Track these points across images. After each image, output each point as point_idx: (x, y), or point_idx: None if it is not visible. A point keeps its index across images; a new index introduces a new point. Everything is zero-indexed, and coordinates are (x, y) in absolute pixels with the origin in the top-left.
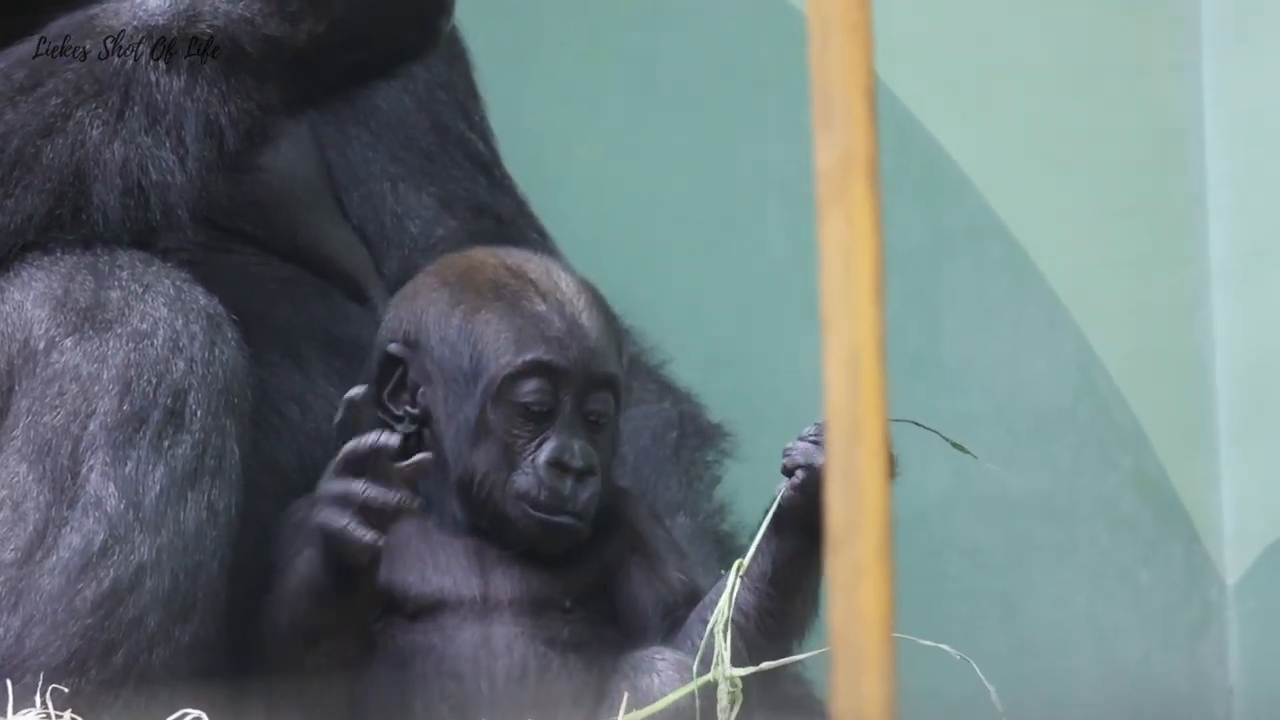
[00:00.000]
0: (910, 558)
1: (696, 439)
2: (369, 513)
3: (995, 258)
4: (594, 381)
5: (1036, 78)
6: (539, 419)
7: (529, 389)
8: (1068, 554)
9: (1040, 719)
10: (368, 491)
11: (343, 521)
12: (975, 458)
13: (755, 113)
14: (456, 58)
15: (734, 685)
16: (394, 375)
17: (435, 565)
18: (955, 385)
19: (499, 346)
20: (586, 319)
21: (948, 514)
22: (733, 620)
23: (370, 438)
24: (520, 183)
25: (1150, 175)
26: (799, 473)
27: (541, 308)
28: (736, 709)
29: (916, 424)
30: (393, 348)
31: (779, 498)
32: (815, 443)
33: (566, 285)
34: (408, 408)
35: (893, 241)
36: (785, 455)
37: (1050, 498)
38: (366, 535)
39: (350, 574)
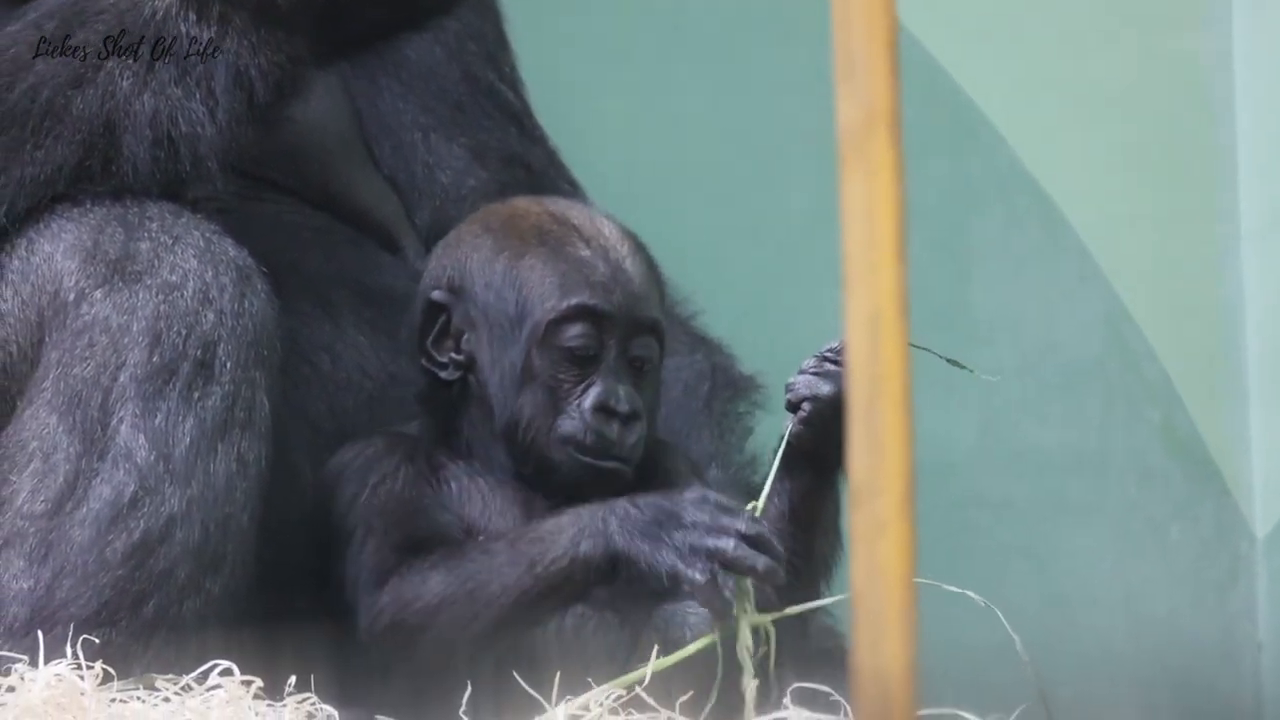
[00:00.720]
0: (938, 511)
1: (728, 391)
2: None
3: (1025, 210)
4: (638, 326)
5: (1066, 30)
6: (584, 363)
7: (574, 333)
8: (1096, 508)
9: (1068, 673)
10: (747, 558)
11: (705, 580)
12: (972, 371)
13: (784, 65)
14: (487, 8)
15: (765, 630)
16: (437, 322)
17: (483, 514)
18: (984, 338)
19: (544, 291)
20: (630, 264)
21: (976, 467)
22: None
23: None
24: (549, 133)
25: (1180, 128)
26: (804, 405)
27: (586, 253)
28: (764, 652)
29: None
30: (436, 294)
31: (787, 435)
32: (817, 374)
33: (610, 231)
34: (452, 354)
35: (921, 194)
36: (788, 390)
37: (1079, 452)
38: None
39: None
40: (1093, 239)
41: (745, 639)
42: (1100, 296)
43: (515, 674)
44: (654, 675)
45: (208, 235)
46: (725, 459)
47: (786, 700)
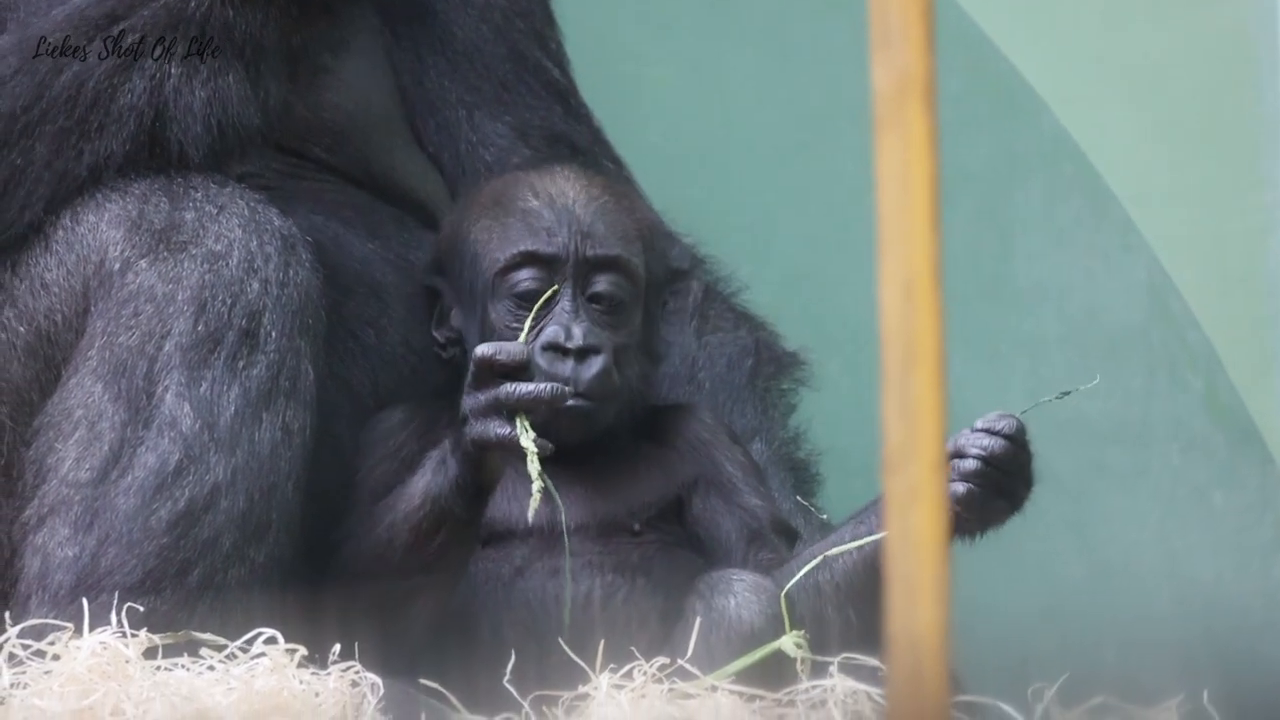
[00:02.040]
0: None
1: (772, 367)
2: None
3: (1068, 179)
4: (591, 264)
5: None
6: (541, 307)
7: (520, 278)
8: (1140, 476)
9: (1113, 641)
10: (519, 390)
11: (503, 430)
12: (1077, 390)
13: (826, 34)
14: None
15: (801, 644)
16: (435, 307)
17: (504, 492)
18: (1027, 307)
19: (491, 247)
20: (581, 208)
21: None
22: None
23: (501, 346)
24: (592, 108)
25: (1225, 97)
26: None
27: (533, 204)
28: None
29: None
30: (427, 280)
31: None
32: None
33: (568, 183)
34: (446, 333)
35: (965, 163)
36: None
37: (1123, 420)
38: (533, 440)
39: (482, 491)
40: (1136, 208)
41: (535, 467)
42: (1143, 265)
43: (561, 643)
44: (700, 646)
45: (252, 204)
46: (769, 434)
47: (832, 669)
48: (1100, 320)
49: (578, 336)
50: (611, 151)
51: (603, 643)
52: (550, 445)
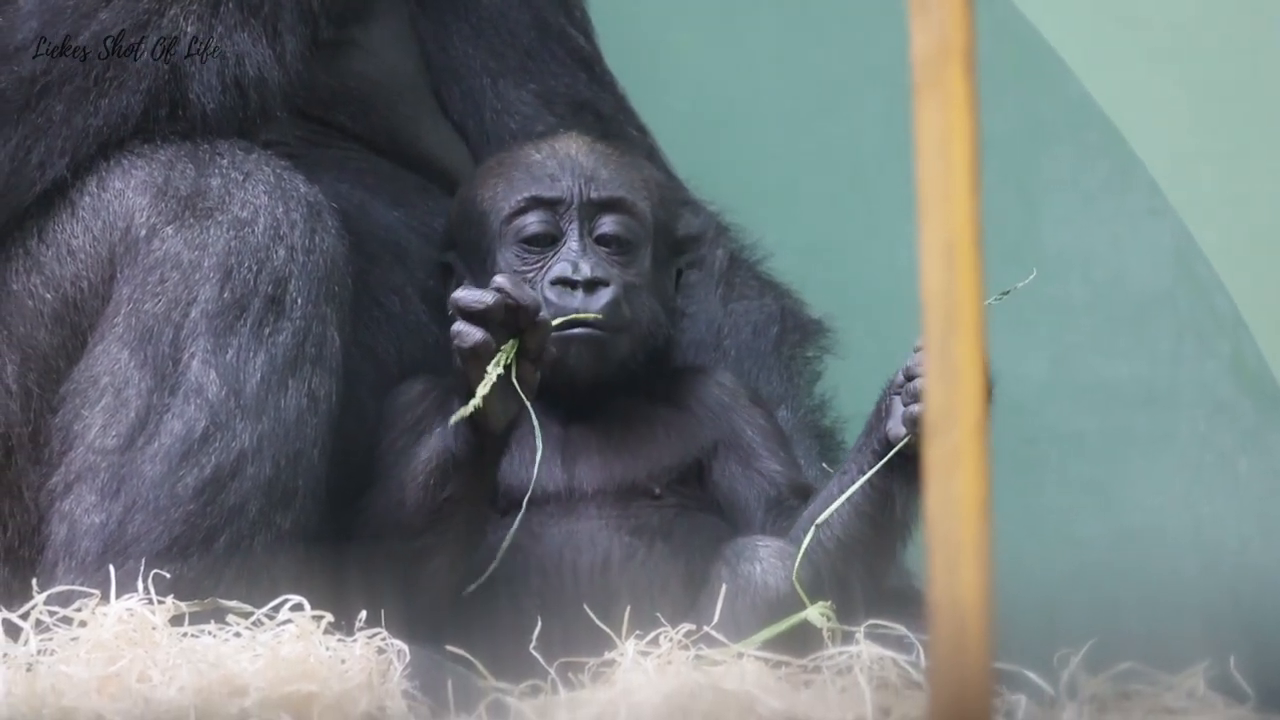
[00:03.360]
0: (1008, 446)
1: (797, 334)
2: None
3: (1094, 145)
4: (596, 205)
5: None
6: (544, 250)
7: (526, 222)
8: (1166, 442)
9: (1138, 607)
10: (503, 287)
11: (477, 334)
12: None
13: (849, 1)
14: None
15: (829, 615)
16: (450, 282)
17: (520, 457)
18: (1054, 272)
19: (497, 199)
20: (584, 156)
21: (1046, 402)
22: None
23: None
24: (616, 74)
25: (1251, 61)
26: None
27: (537, 157)
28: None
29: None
30: (441, 256)
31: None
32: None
33: (571, 140)
34: None
35: (991, 128)
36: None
37: (1149, 385)
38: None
39: (486, 439)
40: (1163, 173)
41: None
42: (1170, 230)
43: (587, 609)
44: (725, 613)
45: (278, 171)
46: (794, 401)
47: (858, 635)
48: (1127, 285)
49: (585, 269)
50: (636, 119)
51: (628, 609)
52: (490, 341)
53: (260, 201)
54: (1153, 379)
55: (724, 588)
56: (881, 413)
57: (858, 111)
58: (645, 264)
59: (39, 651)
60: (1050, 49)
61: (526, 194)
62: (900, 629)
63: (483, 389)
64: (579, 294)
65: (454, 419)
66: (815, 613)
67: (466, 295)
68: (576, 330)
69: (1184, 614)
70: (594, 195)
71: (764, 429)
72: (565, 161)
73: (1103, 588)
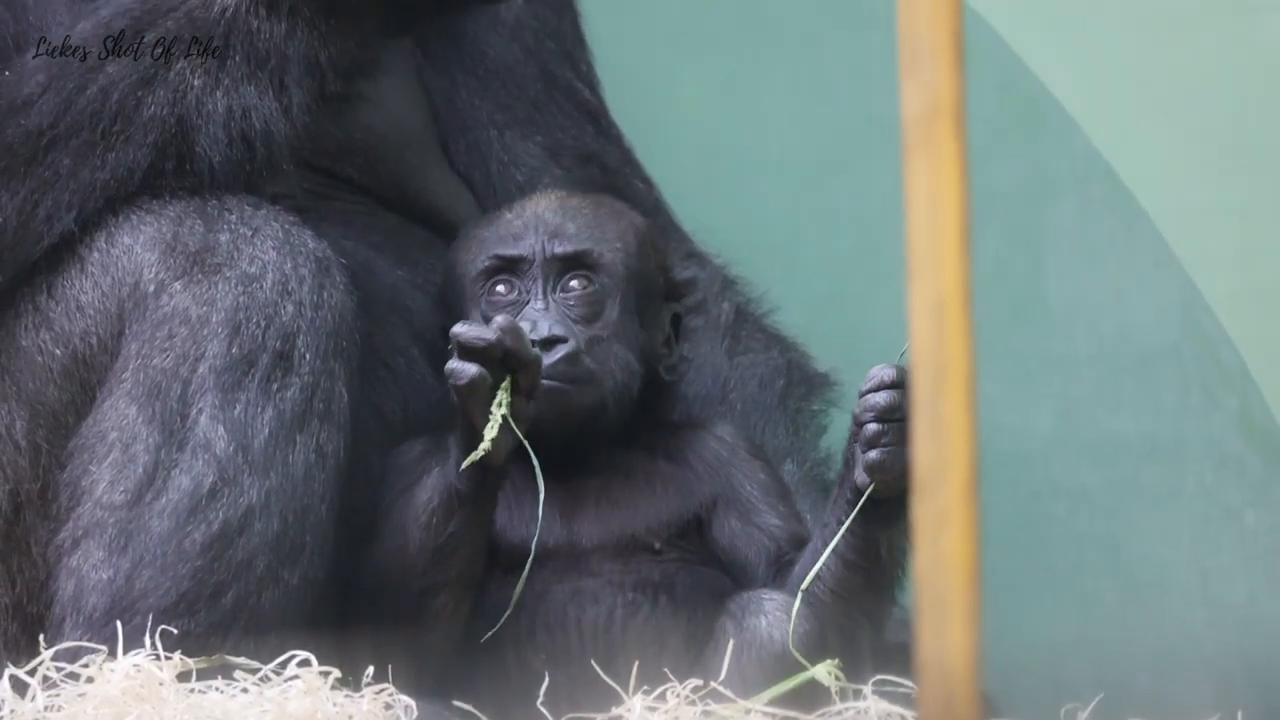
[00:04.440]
0: (1014, 500)
1: (803, 388)
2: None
3: (1100, 198)
4: (559, 260)
5: (1141, 15)
6: (510, 307)
7: (493, 282)
8: (1173, 495)
9: (1144, 661)
10: (504, 326)
11: (472, 370)
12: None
13: (858, 56)
14: (564, 5)
15: (836, 674)
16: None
17: (522, 515)
18: (1060, 326)
19: (467, 260)
20: (550, 213)
21: (1051, 456)
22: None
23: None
24: (621, 126)
25: (1256, 115)
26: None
27: (507, 216)
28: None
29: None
30: (437, 320)
31: (866, 492)
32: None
33: (545, 197)
34: None
35: (996, 181)
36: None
37: (1155, 439)
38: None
39: (486, 472)
40: (1168, 226)
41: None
42: (1176, 283)
43: (593, 664)
44: (732, 667)
45: (287, 226)
46: (800, 455)
47: (866, 690)
48: (1133, 339)
49: (543, 328)
50: (642, 172)
51: (635, 664)
52: (488, 377)
53: (268, 257)
54: (1159, 433)
55: (730, 642)
56: (849, 462)
57: (864, 165)
58: (614, 315)
59: (46, 708)
60: (1055, 102)
61: (492, 253)
62: (907, 684)
63: (490, 431)
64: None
65: (466, 462)
66: (823, 671)
67: (468, 331)
68: (542, 383)
69: (1191, 668)
70: (557, 251)
71: (763, 483)
72: (531, 219)
73: (1110, 642)
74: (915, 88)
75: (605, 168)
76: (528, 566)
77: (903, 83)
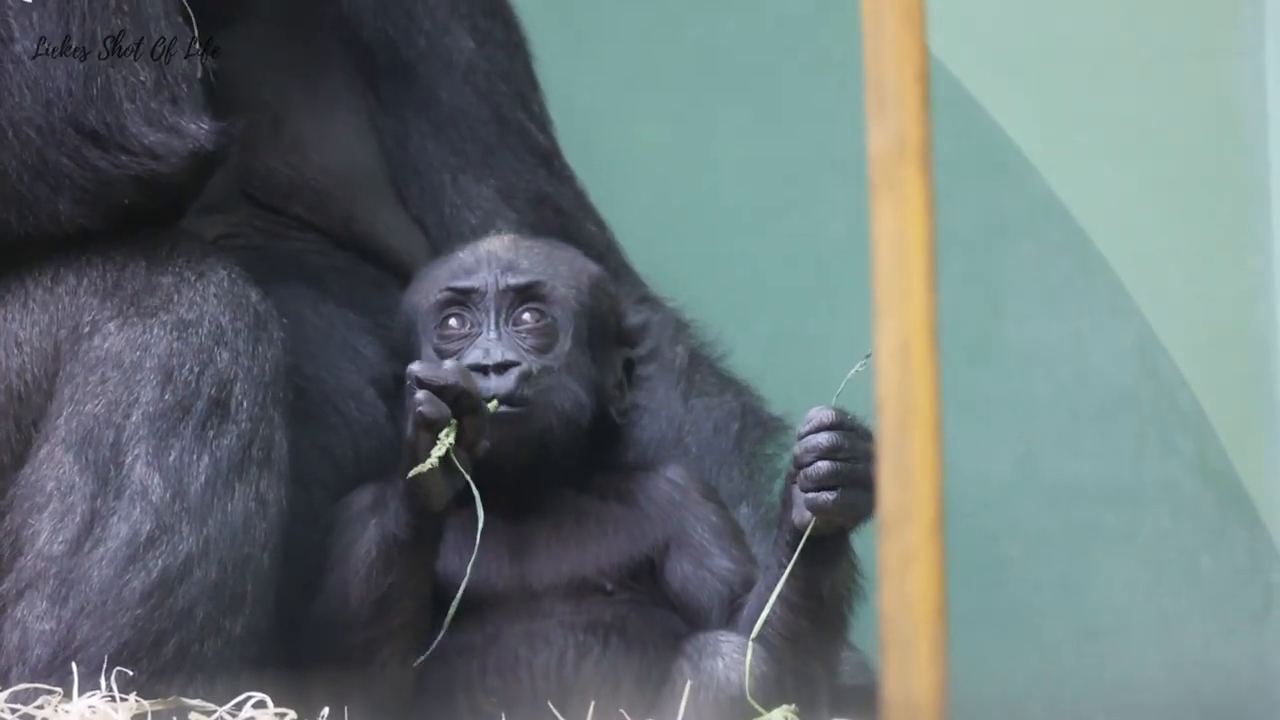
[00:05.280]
0: (972, 543)
1: (758, 431)
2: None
3: (1057, 242)
4: (513, 292)
5: (1099, 61)
6: (463, 339)
7: (445, 315)
8: (1130, 539)
9: (1101, 704)
10: (459, 370)
11: (432, 406)
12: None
13: (815, 96)
14: (516, 47)
15: (793, 718)
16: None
17: (465, 560)
18: (1017, 369)
19: (420, 296)
20: (504, 249)
21: (1009, 500)
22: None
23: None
24: (578, 167)
25: (1213, 159)
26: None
27: (459, 254)
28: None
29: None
30: (392, 369)
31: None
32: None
33: (495, 238)
34: None
35: (953, 225)
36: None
37: (1112, 483)
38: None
39: (426, 515)
40: (1125, 270)
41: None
42: (1132, 327)
43: (550, 707)
44: (689, 710)
45: (232, 276)
46: (755, 498)
47: None
48: (1090, 383)
49: (495, 354)
50: (595, 215)
51: (591, 706)
52: (448, 412)
53: (207, 305)
54: (1116, 477)
55: (687, 684)
56: (786, 504)
57: (821, 207)
58: (565, 347)
59: None
60: (1013, 146)
61: (444, 286)
62: None
63: (438, 450)
64: (491, 377)
65: (412, 472)
66: (779, 717)
67: (428, 370)
68: (495, 409)
69: (1147, 712)
70: (511, 282)
71: (715, 525)
72: (484, 256)
73: (1066, 686)
74: (881, 127)
75: (558, 210)
76: (459, 595)
77: (869, 122)
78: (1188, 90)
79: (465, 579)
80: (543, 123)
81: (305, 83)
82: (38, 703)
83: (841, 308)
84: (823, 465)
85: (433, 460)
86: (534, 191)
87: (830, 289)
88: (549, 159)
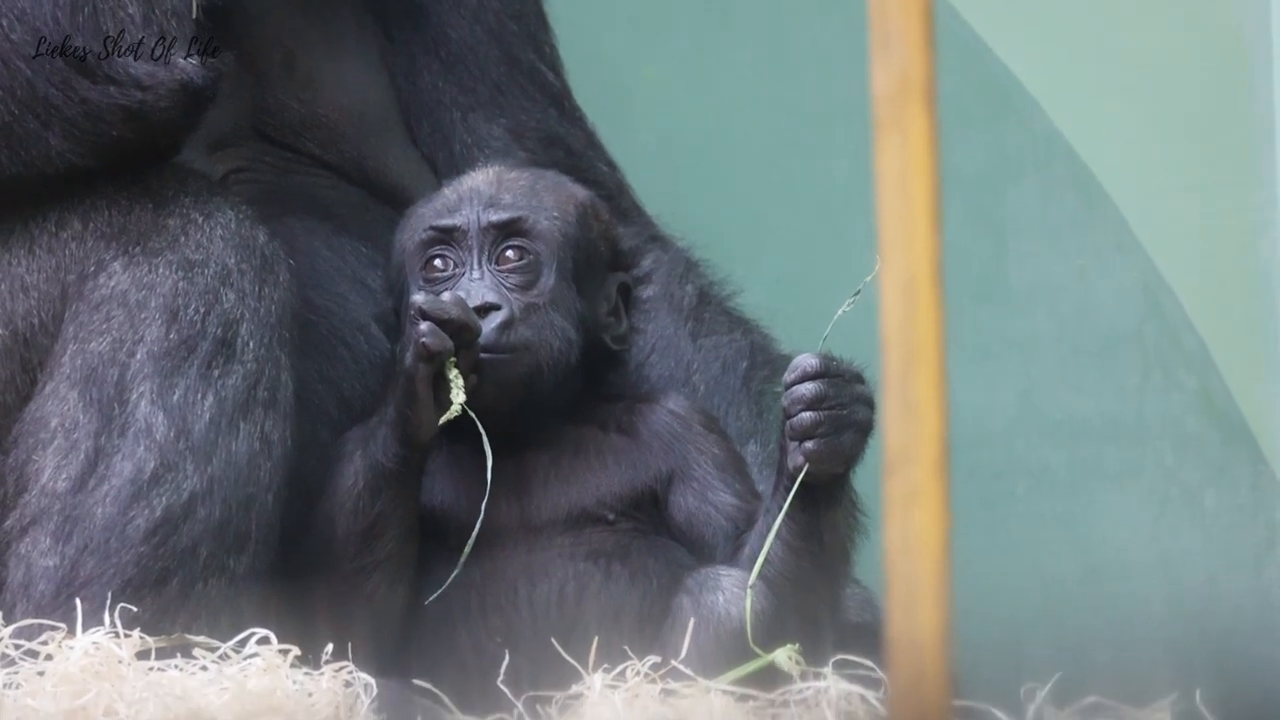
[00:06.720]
0: (975, 480)
1: (766, 369)
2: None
3: (1061, 179)
4: (494, 229)
5: None
6: (448, 278)
7: (430, 254)
8: (1133, 476)
9: (1105, 640)
10: (460, 303)
11: (438, 337)
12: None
13: (819, 35)
14: None
15: (796, 657)
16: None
17: (469, 492)
18: (1021, 307)
19: (406, 236)
20: (486, 184)
21: (1013, 436)
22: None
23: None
24: (587, 108)
25: (1218, 97)
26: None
27: (444, 192)
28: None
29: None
30: (391, 305)
31: (800, 476)
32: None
33: (482, 171)
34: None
35: (958, 163)
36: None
37: (1116, 419)
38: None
39: (414, 444)
40: (1129, 208)
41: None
42: (1137, 265)
43: (553, 642)
44: (690, 644)
45: (240, 217)
46: (764, 436)
47: (826, 671)
48: (1094, 320)
49: (475, 297)
50: (606, 155)
51: (594, 641)
52: (451, 344)
53: (214, 246)
54: (1119, 413)
55: (690, 620)
56: (783, 449)
57: (827, 146)
58: (549, 282)
59: (4, 685)
60: (1017, 83)
61: (428, 225)
62: (868, 664)
63: (457, 395)
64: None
65: (442, 419)
66: (783, 656)
67: (432, 303)
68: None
69: (1150, 647)
70: (492, 219)
71: (717, 458)
72: (466, 192)
73: (1069, 621)
74: (885, 66)
75: (569, 150)
76: (474, 532)
77: (872, 62)
78: (1192, 25)
79: (480, 518)
80: (553, 63)
81: (317, 20)
82: (42, 638)
83: (849, 247)
84: (807, 416)
85: (456, 407)
86: (545, 131)
87: (836, 227)
88: (560, 99)
